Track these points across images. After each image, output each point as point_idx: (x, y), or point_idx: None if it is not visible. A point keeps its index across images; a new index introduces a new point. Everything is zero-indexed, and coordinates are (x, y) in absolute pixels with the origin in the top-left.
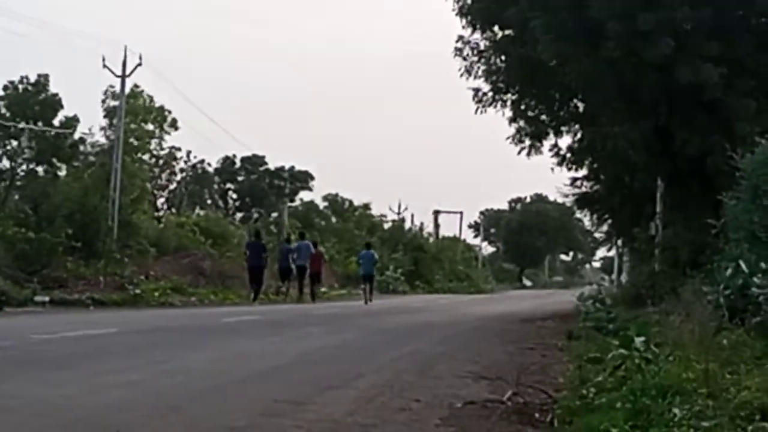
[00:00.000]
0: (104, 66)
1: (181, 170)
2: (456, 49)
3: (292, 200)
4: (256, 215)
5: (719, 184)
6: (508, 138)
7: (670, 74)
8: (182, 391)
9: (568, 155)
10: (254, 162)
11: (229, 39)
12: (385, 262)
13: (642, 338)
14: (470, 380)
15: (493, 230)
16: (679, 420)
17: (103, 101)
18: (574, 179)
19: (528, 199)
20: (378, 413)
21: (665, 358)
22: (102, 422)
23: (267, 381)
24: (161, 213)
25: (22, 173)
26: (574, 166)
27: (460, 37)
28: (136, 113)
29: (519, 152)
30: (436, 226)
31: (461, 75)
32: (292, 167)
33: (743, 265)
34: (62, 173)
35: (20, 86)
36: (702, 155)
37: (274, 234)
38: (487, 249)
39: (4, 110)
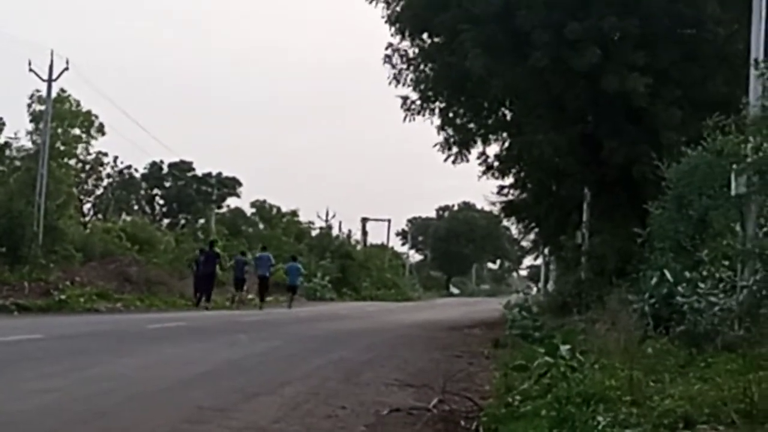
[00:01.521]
0: (30, 70)
1: (108, 176)
2: (385, 56)
3: (220, 206)
4: (183, 221)
5: (645, 192)
6: (435, 145)
7: (598, 83)
8: (107, 397)
9: (496, 163)
10: (181, 168)
11: (160, 43)
12: (313, 269)
13: (567, 346)
14: (396, 388)
15: (420, 238)
16: (603, 428)
17: (29, 105)
18: (501, 187)
19: (456, 207)
20: (304, 420)
21: (590, 366)
22: (25, 428)
23: (192, 388)
24: (87, 218)
25: None
26: (501, 175)
27: (389, 45)
28: (62, 118)
29: (446, 159)
30: (364, 233)
31: (390, 83)
32: (220, 173)
33: (668, 275)
34: None
35: None
36: (628, 164)
37: (201, 240)
38: (415, 257)
39: None
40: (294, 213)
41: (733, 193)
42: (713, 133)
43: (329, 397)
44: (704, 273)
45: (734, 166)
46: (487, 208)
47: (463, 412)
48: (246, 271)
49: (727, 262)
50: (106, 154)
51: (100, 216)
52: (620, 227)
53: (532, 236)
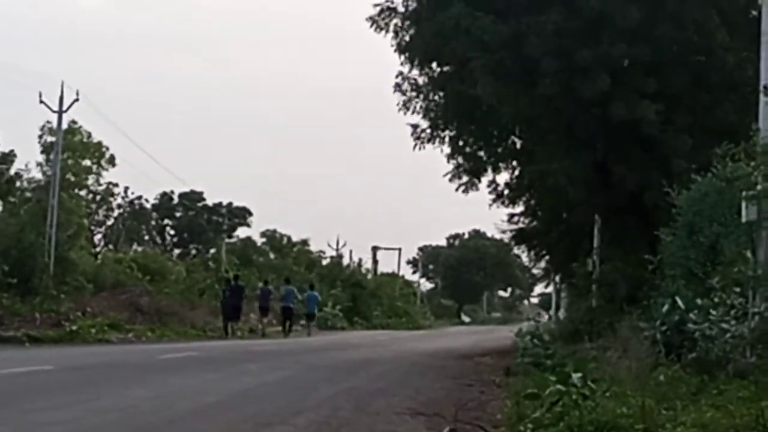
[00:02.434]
0: (41, 101)
1: (119, 206)
2: (395, 84)
3: (230, 236)
4: (193, 251)
5: (656, 219)
6: (446, 174)
7: (607, 110)
8: (116, 428)
9: (506, 191)
10: (192, 198)
11: (170, 72)
12: (324, 299)
13: (579, 374)
14: (408, 416)
15: (431, 266)
16: None
17: (40, 137)
18: (512, 215)
19: (466, 236)
20: None
21: (602, 394)
22: None
23: (204, 418)
24: (98, 249)
25: None
26: (511, 202)
27: (400, 73)
28: (73, 149)
29: (457, 189)
30: (375, 262)
31: (399, 110)
32: (230, 203)
33: (680, 302)
34: None
35: None
36: (639, 191)
37: (212, 270)
38: (426, 285)
39: None
40: (304, 242)
41: (743, 220)
42: (723, 160)
43: (341, 426)
44: (716, 300)
45: (744, 193)
46: (497, 236)
47: None
48: (270, 299)
49: (738, 289)
50: (116, 185)
51: (111, 246)
52: (631, 254)
53: (542, 264)
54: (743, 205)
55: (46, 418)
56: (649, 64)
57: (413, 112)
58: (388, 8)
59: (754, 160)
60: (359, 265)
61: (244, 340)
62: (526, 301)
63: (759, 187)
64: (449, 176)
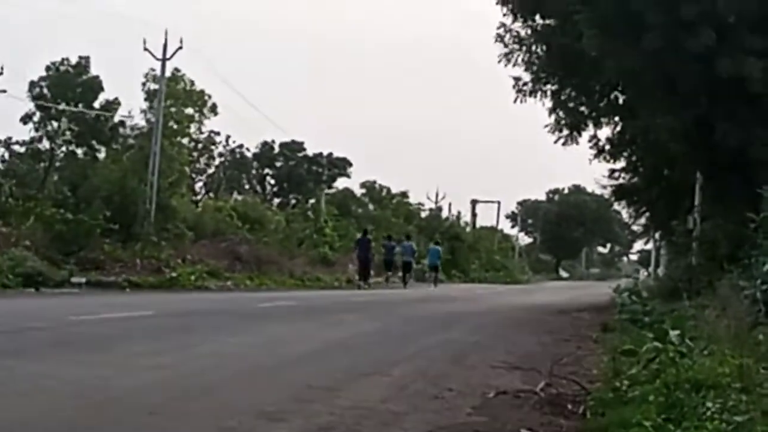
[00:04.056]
0: (145, 49)
1: (220, 155)
2: (497, 35)
3: (330, 187)
4: (293, 201)
5: (759, 177)
6: (546, 127)
7: (712, 66)
8: (216, 374)
9: (607, 147)
10: (293, 148)
11: (274, 22)
12: (422, 251)
13: (677, 332)
14: (503, 370)
15: (530, 221)
16: (712, 414)
17: (144, 84)
18: (612, 171)
19: (566, 190)
20: (411, 401)
21: (700, 352)
22: (136, 403)
23: (300, 367)
24: (199, 197)
25: (61, 155)
26: (612, 158)
27: (502, 24)
28: (176, 97)
29: (556, 141)
30: (474, 215)
31: (500, 61)
32: (330, 154)
33: None
34: (101, 155)
35: (61, 68)
36: (742, 148)
37: (311, 220)
38: (524, 239)
39: (45, 91)
40: (404, 194)
41: None
42: None
43: (436, 378)
44: None
45: None
46: (597, 191)
47: (570, 395)
48: (394, 253)
49: None
50: (218, 134)
51: (211, 195)
52: (733, 212)
53: (642, 220)
54: None
55: (147, 362)
56: (755, 21)
57: (514, 65)
58: None
59: None
60: (458, 218)
61: (374, 290)
62: (625, 258)
63: None
64: (550, 129)
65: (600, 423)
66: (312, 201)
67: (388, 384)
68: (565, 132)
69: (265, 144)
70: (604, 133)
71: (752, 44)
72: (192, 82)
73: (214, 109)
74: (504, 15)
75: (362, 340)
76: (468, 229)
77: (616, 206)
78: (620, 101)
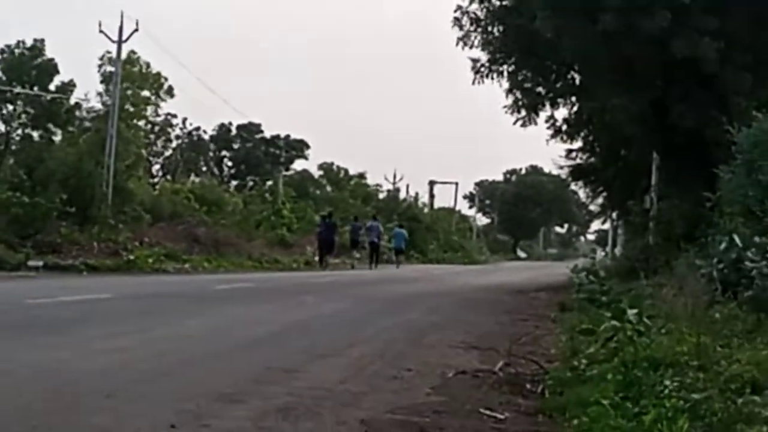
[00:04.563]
0: (100, 31)
1: (177, 137)
2: (454, 18)
3: (288, 169)
4: (251, 183)
5: (715, 157)
6: (504, 108)
7: (668, 48)
8: (174, 357)
9: (564, 127)
10: (250, 130)
11: (229, 5)
12: (386, 233)
13: (634, 311)
14: (462, 350)
15: (488, 201)
16: (670, 392)
17: (100, 67)
18: (569, 151)
19: (523, 171)
20: (369, 381)
21: (657, 331)
22: (94, 386)
23: (259, 348)
24: (156, 180)
25: (17, 138)
26: (569, 138)
27: (459, 7)
28: (132, 79)
29: (515, 123)
30: (431, 196)
31: (457, 44)
32: (288, 136)
33: (737, 239)
34: (57, 138)
35: (16, 51)
36: (698, 129)
37: (269, 202)
38: (482, 220)
39: (0, 74)
40: (361, 175)
41: None
42: None
43: (395, 358)
44: None
45: None
46: (555, 171)
47: (528, 375)
48: (360, 234)
49: None
50: (175, 116)
51: (168, 177)
52: (689, 192)
53: (600, 200)
54: None
55: (104, 345)
56: (709, 2)
57: (471, 47)
58: None
59: None
60: (416, 199)
61: (336, 271)
62: (582, 238)
63: None
64: (507, 110)
65: (558, 402)
66: (269, 183)
67: (346, 365)
68: (523, 113)
69: (222, 126)
70: (561, 113)
71: (706, 25)
72: (148, 65)
73: (170, 92)
74: None
75: (321, 321)
76: (426, 210)
77: (573, 186)
78: (577, 82)
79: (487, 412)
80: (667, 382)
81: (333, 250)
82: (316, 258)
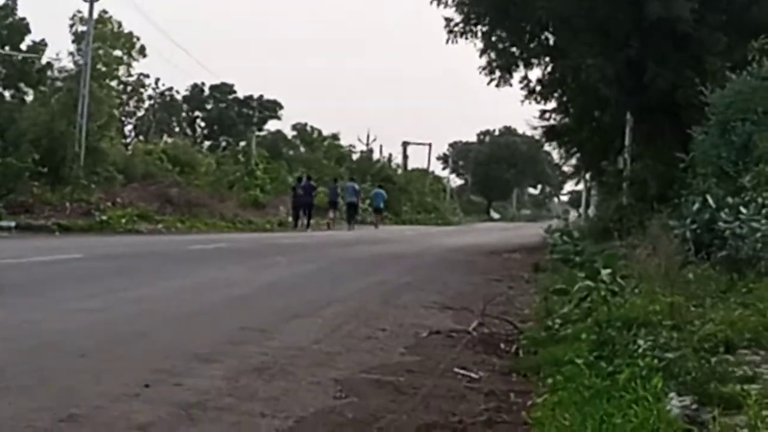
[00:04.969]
0: None
1: (150, 97)
2: None
3: (261, 129)
4: (224, 144)
5: (688, 118)
6: (478, 68)
7: (643, 8)
8: (148, 317)
9: (538, 88)
10: (223, 90)
11: None
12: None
13: (608, 270)
14: (436, 310)
15: (461, 163)
16: (644, 351)
17: (71, 26)
18: (543, 111)
19: (497, 132)
20: (343, 341)
21: (631, 291)
22: (68, 347)
23: (233, 309)
24: (129, 140)
25: None
26: (543, 99)
27: None
28: (104, 39)
29: (489, 83)
30: (405, 157)
31: (432, 2)
32: (261, 96)
33: (710, 200)
34: (29, 98)
35: None
36: (672, 89)
37: (241, 162)
38: (456, 181)
39: None
40: (335, 136)
41: None
42: (758, 56)
43: (369, 319)
44: (747, 198)
45: None
46: (528, 132)
47: (502, 335)
48: (338, 195)
49: None
50: (147, 76)
51: (141, 137)
52: (662, 153)
53: (573, 161)
54: None
55: (77, 305)
56: None
57: (446, 6)
58: None
59: None
60: (389, 160)
61: (313, 232)
62: (555, 199)
63: None
64: (481, 71)
65: (532, 361)
66: (243, 144)
67: (320, 325)
68: (497, 73)
69: (195, 86)
70: (535, 74)
71: None
72: (120, 24)
73: (142, 51)
74: None
75: (294, 282)
76: (399, 171)
77: (546, 147)
78: (551, 42)
79: (462, 372)
80: (641, 342)
81: (311, 213)
82: (290, 219)
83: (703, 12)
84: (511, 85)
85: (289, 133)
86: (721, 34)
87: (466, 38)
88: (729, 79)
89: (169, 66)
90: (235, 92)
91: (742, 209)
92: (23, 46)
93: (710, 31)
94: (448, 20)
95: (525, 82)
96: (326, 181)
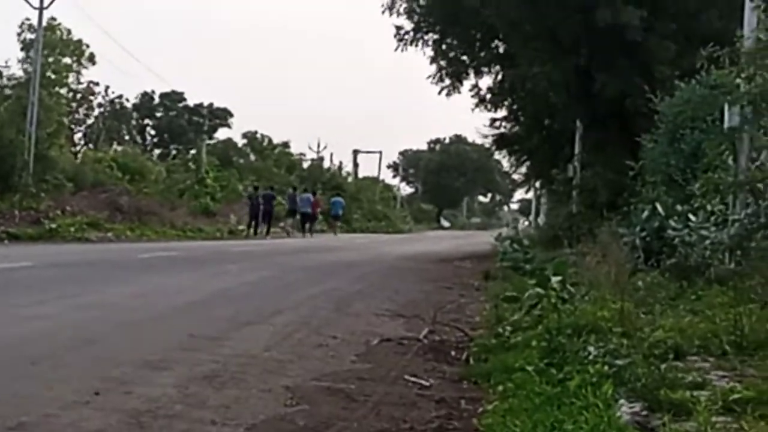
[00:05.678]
0: None
1: (99, 105)
2: None
3: (211, 137)
4: (174, 152)
5: (638, 126)
6: (428, 77)
7: (592, 16)
8: (98, 324)
9: (488, 96)
10: (173, 98)
11: None
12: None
13: (558, 278)
14: (387, 318)
15: (412, 171)
16: (594, 358)
17: (20, 34)
18: (494, 120)
19: (447, 140)
20: (295, 349)
21: (581, 298)
22: (18, 354)
23: (183, 317)
24: (78, 148)
25: None
26: (493, 107)
27: None
28: (53, 46)
29: (440, 92)
30: (355, 165)
31: (383, 12)
32: (211, 104)
33: (660, 208)
34: None
35: None
36: (621, 98)
37: (191, 171)
38: (406, 189)
39: None
40: (285, 144)
41: (725, 125)
42: (707, 65)
43: (320, 326)
44: (696, 206)
45: (728, 98)
46: (479, 141)
47: (453, 342)
48: (296, 203)
49: (718, 196)
50: (97, 84)
51: (91, 145)
52: (612, 161)
53: (523, 169)
54: (726, 110)
55: (28, 312)
56: None
57: (397, 15)
58: None
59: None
60: (340, 168)
61: (275, 240)
62: (506, 207)
63: (742, 89)
64: (432, 78)
65: (483, 368)
66: (193, 152)
67: (271, 333)
68: (447, 81)
69: (145, 94)
70: (486, 82)
71: None
72: (69, 32)
73: (92, 59)
74: None
75: (245, 289)
76: (350, 179)
77: (497, 155)
78: (501, 50)
79: (413, 379)
80: (591, 349)
81: (271, 221)
82: (241, 227)
83: (653, 20)
84: (460, 92)
85: (240, 141)
86: (670, 43)
87: (417, 46)
88: (678, 87)
89: (119, 74)
90: (185, 100)
91: (691, 217)
92: None
93: (659, 40)
94: (398, 28)
95: (475, 90)
96: (277, 189)
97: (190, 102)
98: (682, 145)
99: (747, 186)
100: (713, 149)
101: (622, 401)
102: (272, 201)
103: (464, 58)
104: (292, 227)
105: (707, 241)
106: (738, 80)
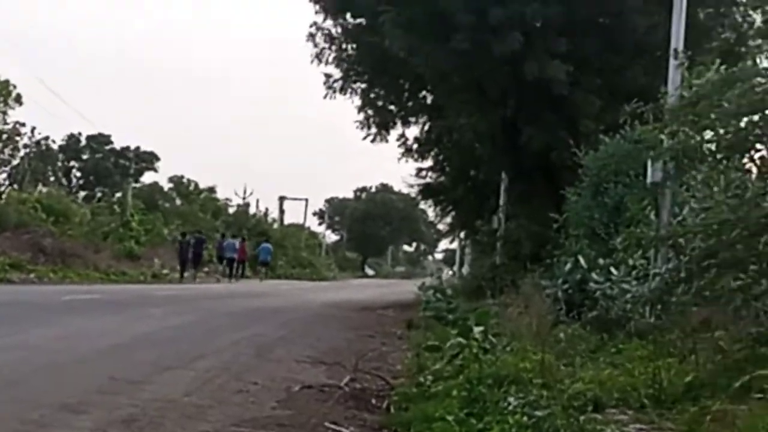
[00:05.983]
0: None
1: (25, 146)
2: (309, 34)
3: (137, 181)
4: (99, 194)
5: (562, 179)
6: (356, 123)
7: (519, 69)
8: (18, 367)
9: (415, 146)
10: (100, 141)
11: (81, 14)
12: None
13: (481, 328)
14: (309, 365)
15: (337, 218)
16: (514, 408)
17: None
18: (420, 170)
19: (373, 189)
20: (215, 395)
21: (503, 349)
22: None
23: (105, 360)
24: (3, 189)
25: None
26: (420, 157)
27: (314, 23)
28: None
29: (365, 138)
30: (281, 212)
31: (312, 61)
32: (138, 147)
33: (582, 261)
34: None
35: None
36: (546, 151)
37: (117, 214)
38: (331, 237)
39: None
40: (211, 189)
41: (648, 180)
42: (631, 120)
43: (241, 372)
44: (617, 260)
45: (651, 153)
46: (404, 190)
47: (374, 390)
48: (224, 249)
49: (640, 250)
50: (23, 125)
51: (15, 186)
52: (536, 213)
53: (448, 219)
54: (649, 165)
55: None
56: (561, 25)
57: (326, 64)
58: None
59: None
60: (265, 214)
61: (202, 284)
62: (430, 257)
63: (665, 145)
64: (358, 126)
65: (403, 417)
66: (118, 194)
67: (192, 378)
68: (374, 129)
69: (71, 136)
70: (413, 132)
71: (558, 47)
72: None
73: (19, 100)
74: (316, 13)
75: (168, 334)
76: (275, 225)
77: (422, 205)
78: (428, 101)
79: (333, 427)
80: (512, 399)
81: (200, 264)
82: (164, 271)
83: (578, 75)
84: (387, 141)
85: (166, 186)
86: (595, 97)
87: (345, 94)
88: (602, 141)
89: (46, 115)
90: (112, 143)
91: (613, 270)
92: None
93: (585, 94)
94: (327, 76)
95: (402, 139)
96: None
97: (117, 145)
98: (606, 198)
99: (668, 241)
100: (636, 204)
101: None
102: (203, 245)
103: (392, 107)
104: (222, 274)
105: (628, 295)
106: (661, 136)
